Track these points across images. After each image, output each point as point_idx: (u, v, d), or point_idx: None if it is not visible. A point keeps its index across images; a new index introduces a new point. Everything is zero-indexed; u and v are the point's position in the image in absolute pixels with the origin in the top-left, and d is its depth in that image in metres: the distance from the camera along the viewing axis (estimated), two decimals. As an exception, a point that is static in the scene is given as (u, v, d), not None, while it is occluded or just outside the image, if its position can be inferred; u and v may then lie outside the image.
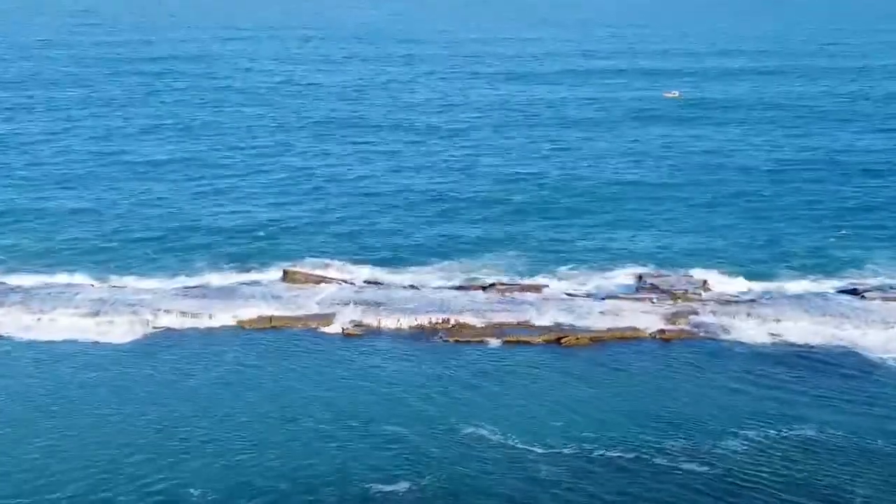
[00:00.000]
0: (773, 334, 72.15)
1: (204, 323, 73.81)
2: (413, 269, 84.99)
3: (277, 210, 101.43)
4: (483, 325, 72.96)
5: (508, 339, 71.34)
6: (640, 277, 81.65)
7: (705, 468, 54.44)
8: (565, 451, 56.04)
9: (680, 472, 53.97)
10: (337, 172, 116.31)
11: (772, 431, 58.40)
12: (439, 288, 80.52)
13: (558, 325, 72.90)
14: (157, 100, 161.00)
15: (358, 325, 73.49)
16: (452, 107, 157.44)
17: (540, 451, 55.99)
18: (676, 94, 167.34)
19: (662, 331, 72.33)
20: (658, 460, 55.20)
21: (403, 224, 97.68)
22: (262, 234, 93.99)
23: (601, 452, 55.89)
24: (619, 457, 55.58)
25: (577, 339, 71.14)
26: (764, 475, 53.79)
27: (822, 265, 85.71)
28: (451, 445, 56.66)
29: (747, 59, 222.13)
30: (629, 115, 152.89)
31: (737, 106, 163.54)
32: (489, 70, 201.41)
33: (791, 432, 58.35)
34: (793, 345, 70.88)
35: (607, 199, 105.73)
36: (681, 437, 57.64)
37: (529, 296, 78.18)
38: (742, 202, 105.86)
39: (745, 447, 56.65)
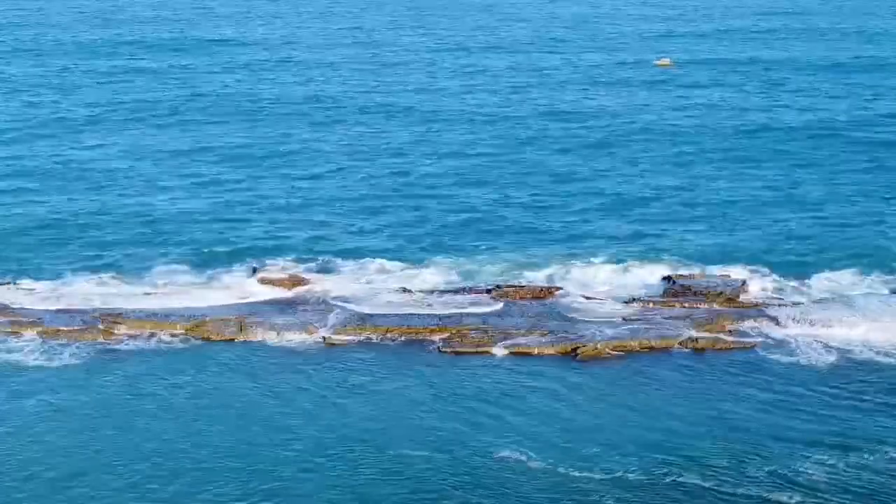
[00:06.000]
0: (824, 342, 68.34)
1: (165, 333, 69.94)
2: (405, 268, 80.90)
3: (249, 203, 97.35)
4: (487, 334, 69.03)
5: (517, 349, 67.48)
6: (668, 278, 77.64)
7: (788, 497, 51.19)
8: (625, 476, 53.09)
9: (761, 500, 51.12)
10: (315, 159, 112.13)
11: (852, 452, 54.90)
12: (435, 290, 76.58)
13: (574, 334, 69.11)
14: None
15: (342, 333, 69.55)
16: (428, 91, 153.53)
17: (598, 476, 53.07)
18: (668, 61, 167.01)
19: (695, 339, 68.47)
20: (731, 488, 52.15)
21: (393, 216, 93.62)
22: (231, 230, 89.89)
23: (672, 478, 52.94)
24: (682, 482, 52.70)
25: (596, 349, 67.20)
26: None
27: (877, 259, 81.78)
28: (482, 470, 53.70)
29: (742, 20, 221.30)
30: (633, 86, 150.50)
31: (740, 68, 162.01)
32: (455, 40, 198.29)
33: (875, 452, 55.01)
34: (849, 354, 67.04)
35: (623, 185, 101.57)
36: (747, 462, 54.29)
37: (540, 300, 74.61)
38: (778, 184, 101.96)
39: (826, 472, 53.22)
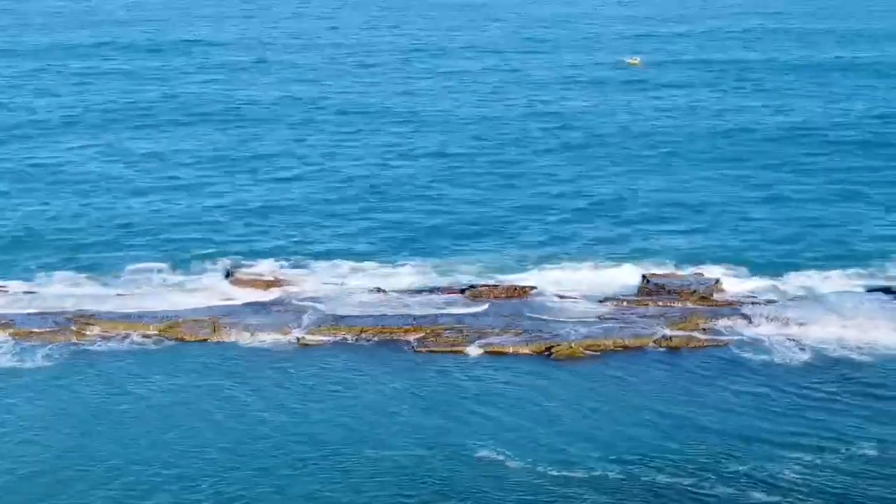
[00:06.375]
0: (797, 340, 68.48)
1: (138, 334, 69.64)
2: (380, 268, 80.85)
3: (223, 205, 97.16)
4: (461, 334, 68.94)
5: (491, 349, 67.46)
6: (642, 277, 77.57)
7: (766, 495, 51.36)
8: (604, 475, 53.20)
9: (732, 498, 51.25)
10: (290, 161, 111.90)
11: (826, 452, 55.07)
12: (409, 290, 76.54)
13: (548, 333, 69.04)
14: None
15: (316, 333, 69.32)
16: (406, 94, 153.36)
17: (577, 476, 53.07)
18: (639, 60, 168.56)
19: (669, 338, 68.59)
20: (709, 487, 52.22)
21: (367, 216, 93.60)
22: (205, 231, 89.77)
23: (650, 477, 52.98)
24: (661, 481, 52.78)
25: (571, 348, 67.18)
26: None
27: (849, 259, 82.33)
28: (463, 470, 53.67)
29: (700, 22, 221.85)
30: (606, 85, 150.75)
31: (711, 68, 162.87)
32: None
33: (848, 452, 55.14)
34: (823, 352, 67.16)
35: (600, 186, 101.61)
36: (724, 460, 54.50)
37: (514, 299, 74.48)
38: (755, 184, 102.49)
39: (800, 472, 53.35)
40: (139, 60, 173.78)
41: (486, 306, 73.13)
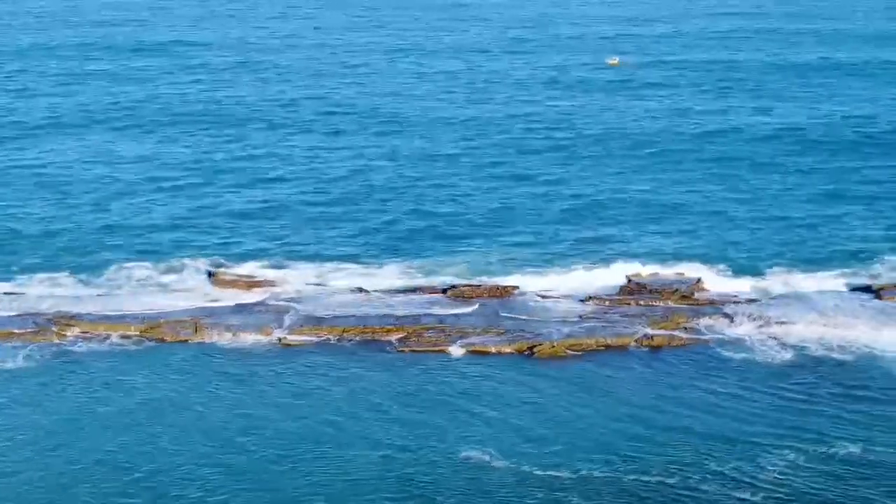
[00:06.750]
0: (778, 339, 68.73)
1: (118, 335, 69.62)
2: (362, 269, 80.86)
3: (205, 206, 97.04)
4: (444, 334, 69.09)
5: (473, 348, 67.59)
6: (626, 278, 77.73)
7: (751, 493, 51.66)
8: (590, 474, 53.43)
9: (716, 498, 51.48)
10: (272, 163, 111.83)
11: (808, 451, 55.37)
12: (391, 290, 76.63)
13: (531, 333, 69.17)
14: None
15: (297, 334, 69.43)
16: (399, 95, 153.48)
17: (563, 475, 53.27)
18: (617, 60, 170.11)
19: (650, 337, 68.82)
20: (695, 484, 52.61)
21: (350, 217, 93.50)
22: (187, 232, 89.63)
23: (636, 476, 53.26)
24: (647, 479, 53.01)
25: (553, 347, 67.38)
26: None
27: (831, 258, 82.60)
28: (448, 470, 53.79)
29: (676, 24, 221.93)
30: (589, 85, 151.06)
31: (695, 68, 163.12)
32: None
33: (830, 451, 55.45)
34: (804, 351, 67.42)
35: (583, 187, 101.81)
36: (708, 458, 54.83)
37: (497, 299, 74.60)
38: (737, 184, 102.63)
39: (783, 470, 53.65)
40: (122, 61, 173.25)
41: (468, 306, 73.23)
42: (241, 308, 73.14)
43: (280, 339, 68.85)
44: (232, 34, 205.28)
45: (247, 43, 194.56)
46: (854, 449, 55.48)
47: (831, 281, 78.15)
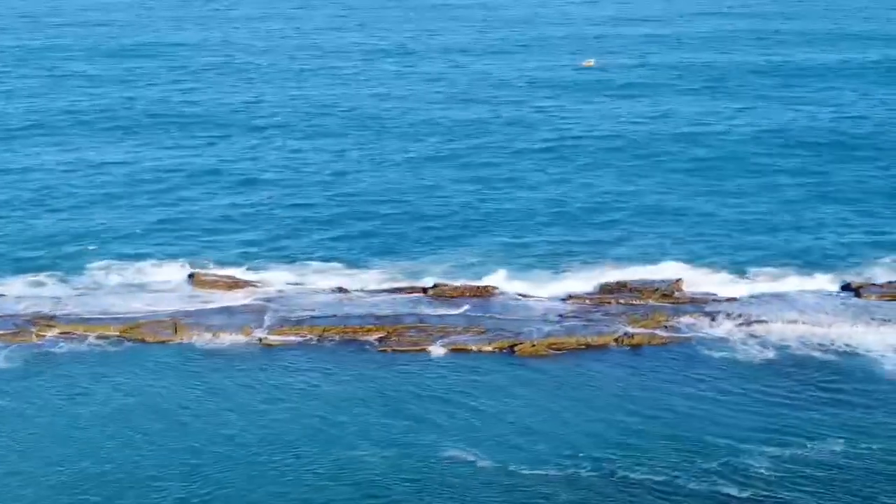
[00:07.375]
0: (760, 338, 69.07)
1: (95, 335, 69.61)
2: (343, 269, 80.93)
3: (186, 207, 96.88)
4: (424, 333, 69.25)
5: (454, 347, 67.80)
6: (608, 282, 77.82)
7: (739, 490, 52.00)
8: (577, 473, 53.67)
9: (699, 497, 51.79)
10: (254, 164, 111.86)
11: (791, 449, 55.79)
12: (371, 290, 76.76)
13: (511, 331, 69.37)
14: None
15: (278, 333, 69.48)
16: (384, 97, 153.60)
17: (549, 474, 53.49)
18: (592, 62, 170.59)
19: (631, 335, 69.11)
20: (684, 483, 52.92)
21: (332, 218, 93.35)
22: (167, 233, 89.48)
23: (623, 474, 53.56)
24: (633, 477, 53.31)
25: (534, 346, 67.61)
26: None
27: (812, 257, 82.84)
28: (432, 470, 53.92)
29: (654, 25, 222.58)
30: (571, 87, 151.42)
31: (676, 69, 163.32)
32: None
33: (812, 448, 55.86)
34: (785, 350, 67.72)
35: (566, 188, 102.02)
36: (693, 456, 55.17)
37: (477, 299, 74.76)
38: (718, 184, 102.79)
39: (767, 468, 53.98)
40: (102, 63, 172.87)
41: (449, 306, 73.34)
42: (221, 308, 73.17)
43: (260, 339, 68.92)
44: (213, 36, 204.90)
45: (229, 44, 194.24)
46: (835, 447, 55.70)
47: (812, 280, 78.34)
